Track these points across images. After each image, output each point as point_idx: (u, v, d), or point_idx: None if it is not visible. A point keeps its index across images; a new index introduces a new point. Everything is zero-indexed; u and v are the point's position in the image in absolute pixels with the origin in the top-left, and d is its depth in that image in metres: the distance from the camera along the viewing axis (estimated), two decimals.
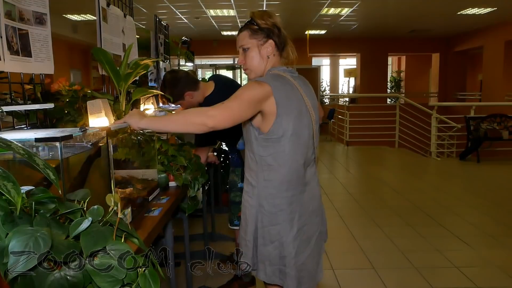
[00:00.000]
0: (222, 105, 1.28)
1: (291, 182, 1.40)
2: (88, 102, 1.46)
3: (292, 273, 1.39)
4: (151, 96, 2.39)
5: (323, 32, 10.56)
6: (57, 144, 0.90)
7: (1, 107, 1.18)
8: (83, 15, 7.99)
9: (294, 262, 1.40)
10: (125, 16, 2.33)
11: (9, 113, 1.39)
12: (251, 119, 1.37)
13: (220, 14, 8.04)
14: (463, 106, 7.98)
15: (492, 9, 7.72)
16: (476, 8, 7.68)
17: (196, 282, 2.42)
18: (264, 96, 1.31)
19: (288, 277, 1.39)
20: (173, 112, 2.54)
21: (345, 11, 7.90)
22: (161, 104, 2.65)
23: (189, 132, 1.37)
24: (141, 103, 2.45)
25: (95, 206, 0.77)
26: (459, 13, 8.03)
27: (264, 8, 7.47)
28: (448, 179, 5.58)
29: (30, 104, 1.45)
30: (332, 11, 7.89)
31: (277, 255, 1.41)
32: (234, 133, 2.30)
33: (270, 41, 1.42)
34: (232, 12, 7.84)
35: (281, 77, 1.40)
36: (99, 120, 1.45)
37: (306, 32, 10.02)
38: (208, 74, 11.16)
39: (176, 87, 2.19)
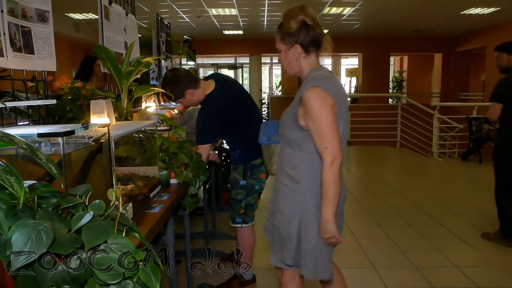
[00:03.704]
0: (324, 140, 1.38)
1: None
2: (91, 102, 1.46)
3: (329, 269, 1.53)
4: (153, 94, 2.40)
5: (325, 31, 10.52)
6: (60, 139, 0.91)
7: (4, 102, 1.19)
8: (85, 14, 8.00)
9: (329, 259, 1.53)
10: (127, 14, 2.34)
11: (11, 109, 1.40)
12: (300, 120, 1.44)
13: (222, 13, 8.04)
14: (465, 106, 7.97)
15: (495, 9, 7.70)
16: (480, 8, 7.66)
17: (196, 280, 2.43)
18: (333, 107, 1.42)
19: (328, 270, 1.53)
20: (174, 110, 2.55)
21: (347, 10, 7.90)
22: (162, 102, 2.66)
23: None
24: (142, 101, 2.46)
25: (97, 201, 0.77)
26: (462, 13, 8.01)
27: (266, 7, 7.46)
28: (449, 180, 5.57)
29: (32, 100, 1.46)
30: (334, 10, 7.88)
31: (320, 250, 1.50)
32: (237, 132, 2.31)
33: (296, 46, 1.49)
34: (234, 11, 7.84)
35: (332, 80, 1.49)
36: (101, 120, 1.45)
37: None
38: (210, 73, 11.16)
39: (177, 85, 2.20)
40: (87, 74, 3.70)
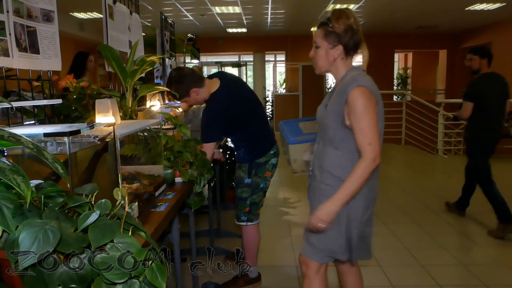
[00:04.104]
0: (368, 137, 1.41)
1: (376, 176, 1.56)
2: (96, 101, 1.47)
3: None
4: (157, 92, 2.40)
5: None
6: (65, 139, 0.91)
7: (10, 102, 1.20)
8: (90, 13, 8.02)
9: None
10: (131, 13, 2.34)
11: (17, 109, 1.41)
12: (346, 120, 1.47)
13: (226, 11, 8.03)
14: None
15: (501, 5, 7.62)
16: (485, 4, 7.59)
17: (201, 278, 2.43)
18: (375, 106, 1.46)
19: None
20: (178, 109, 2.55)
21: (351, 7, 7.86)
22: (166, 101, 2.67)
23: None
24: (147, 99, 2.46)
25: (103, 200, 0.78)
26: (466, 9, 7.94)
27: (270, 5, 7.44)
28: (455, 177, 5.53)
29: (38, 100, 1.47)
30: (338, 7, 7.84)
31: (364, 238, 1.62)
32: (242, 130, 2.30)
33: (339, 46, 1.52)
34: (237, 9, 7.83)
35: (371, 80, 1.52)
36: (106, 119, 1.46)
37: (312, 29, 9.97)
38: (214, 71, 11.13)
39: (182, 84, 2.20)
40: (80, 70, 3.73)
